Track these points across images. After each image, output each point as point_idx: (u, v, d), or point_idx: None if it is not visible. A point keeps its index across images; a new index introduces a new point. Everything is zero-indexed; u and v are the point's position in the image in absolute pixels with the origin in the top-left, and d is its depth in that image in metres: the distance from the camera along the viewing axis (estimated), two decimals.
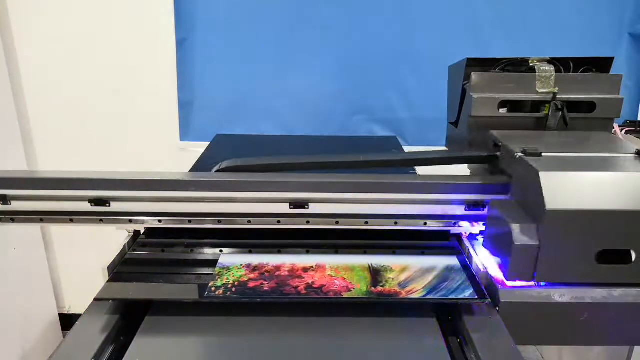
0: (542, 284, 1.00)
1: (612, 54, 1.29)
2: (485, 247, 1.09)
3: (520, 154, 1.03)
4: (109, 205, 1.11)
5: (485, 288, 0.99)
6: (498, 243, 1.01)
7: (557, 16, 2.08)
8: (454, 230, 1.17)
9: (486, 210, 1.13)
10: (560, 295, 0.97)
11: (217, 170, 1.17)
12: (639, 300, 0.98)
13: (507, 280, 0.96)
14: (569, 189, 0.91)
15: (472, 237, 1.18)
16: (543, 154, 1.03)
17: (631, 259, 0.92)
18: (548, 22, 2.09)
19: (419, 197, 1.12)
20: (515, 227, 0.92)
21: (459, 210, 1.14)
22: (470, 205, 1.12)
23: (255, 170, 1.16)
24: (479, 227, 1.16)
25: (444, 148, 1.51)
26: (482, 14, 2.08)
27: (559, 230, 0.90)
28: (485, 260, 1.08)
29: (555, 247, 0.91)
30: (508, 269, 0.94)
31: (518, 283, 1.01)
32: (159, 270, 1.06)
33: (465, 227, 1.16)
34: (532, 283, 1.01)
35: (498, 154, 1.15)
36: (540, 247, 0.91)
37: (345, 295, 0.94)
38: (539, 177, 0.91)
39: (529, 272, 0.94)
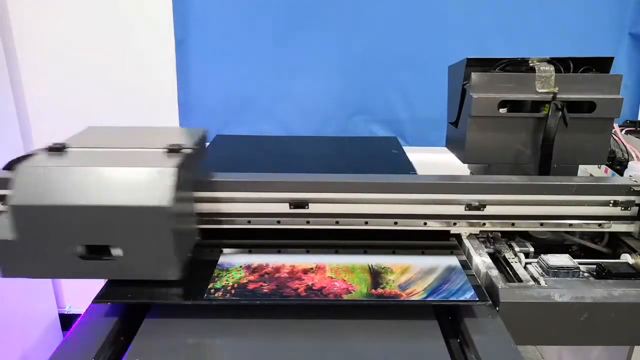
0: (544, 284, 1.01)
1: (612, 54, 1.29)
2: None
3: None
4: None
5: (485, 288, 0.99)
6: None
7: (557, 16, 2.08)
8: (454, 230, 1.17)
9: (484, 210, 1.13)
10: (560, 295, 0.98)
11: None
12: (639, 300, 0.98)
13: None
14: (45, 184, 0.87)
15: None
16: (69, 149, 0.99)
17: (110, 253, 0.89)
18: (548, 22, 2.09)
19: (419, 197, 1.12)
20: None
21: (459, 210, 1.14)
22: (470, 205, 1.12)
23: None
24: (478, 227, 1.16)
25: (444, 147, 1.51)
26: (482, 14, 2.08)
27: (31, 225, 0.86)
28: (485, 260, 1.09)
29: (31, 242, 0.88)
30: None
31: (517, 283, 1.02)
32: None
33: (465, 227, 1.16)
34: (532, 283, 1.01)
35: None
36: (16, 242, 0.87)
37: (346, 297, 0.94)
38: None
39: (10, 266, 0.91)
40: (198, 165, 1.09)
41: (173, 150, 0.98)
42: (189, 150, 1.00)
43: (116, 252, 0.89)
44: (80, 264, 0.89)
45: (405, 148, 1.66)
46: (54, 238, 0.88)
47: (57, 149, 0.99)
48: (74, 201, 0.86)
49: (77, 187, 0.87)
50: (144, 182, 0.87)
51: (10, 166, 1.12)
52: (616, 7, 2.06)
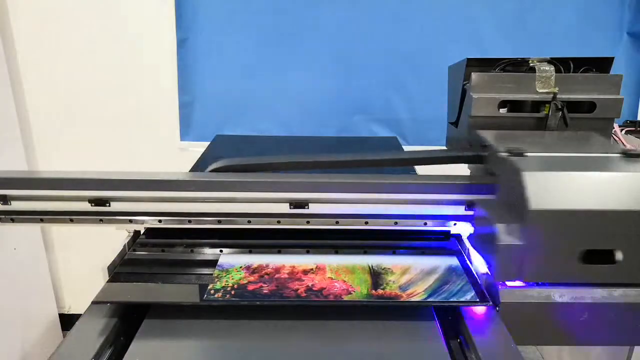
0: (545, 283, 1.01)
1: (610, 53, 1.29)
2: (475, 249, 1.09)
3: (504, 153, 1.03)
4: (109, 205, 1.11)
5: (486, 288, 0.99)
6: (485, 243, 1.01)
7: (557, 16, 2.08)
8: (454, 230, 1.17)
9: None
10: (560, 295, 0.97)
11: (211, 170, 1.17)
12: (639, 300, 0.98)
13: (495, 280, 0.96)
14: (551, 188, 0.90)
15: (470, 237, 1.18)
16: (527, 154, 1.02)
17: (614, 259, 0.91)
18: (547, 22, 2.09)
19: (419, 197, 1.12)
20: (501, 227, 0.92)
21: (459, 210, 1.14)
22: (470, 205, 1.12)
23: (249, 169, 1.16)
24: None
25: (444, 147, 1.51)
26: (482, 14, 2.08)
27: (543, 230, 0.90)
28: (485, 261, 1.08)
29: (539, 246, 0.91)
30: (494, 269, 0.94)
31: (517, 283, 1.02)
32: (158, 270, 1.06)
33: (465, 227, 1.16)
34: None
35: (485, 154, 1.15)
36: (525, 247, 0.90)
37: (346, 298, 0.94)
38: (521, 176, 0.91)
39: (515, 271, 0.93)
40: None
41: (632, 155, 1.01)
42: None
43: (618, 256, 0.91)
44: (583, 269, 0.92)
45: (406, 148, 1.67)
46: (560, 242, 0.90)
47: (518, 154, 1.02)
48: (583, 206, 0.89)
49: (583, 192, 0.90)
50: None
51: (220, 169, 1.13)
52: (615, 6, 2.07)
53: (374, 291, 0.96)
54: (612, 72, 1.28)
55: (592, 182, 0.91)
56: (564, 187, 0.91)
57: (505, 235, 0.92)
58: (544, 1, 2.07)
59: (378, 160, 1.25)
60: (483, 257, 1.03)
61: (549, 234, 0.90)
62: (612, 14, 2.08)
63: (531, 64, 1.27)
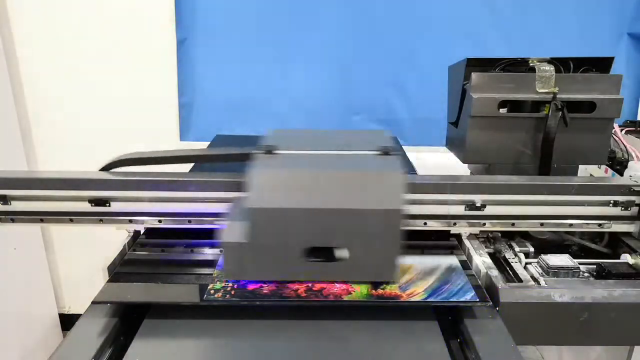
0: (544, 284, 1.01)
1: (611, 54, 1.29)
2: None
3: (259, 151, 1.01)
4: (109, 205, 1.11)
5: (486, 288, 0.99)
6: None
7: (557, 16, 2.08)
8: (454, 230, 1.17)
9: (485, 210, 1.13)
10: (560, 295, 0.98)
11: (106, 165, 1.15)
12: (639, 300, 0.98)
13: (225, 277, 0.96)
14: (275, 187, 0.89)
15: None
16: (278, 151, 1.01)
17: (336, 257, 0.91)
18: (547, 21, 2.09)
19: (419, 197, 1.12)
20: (229, 225, 0.91)
21: (459, 210, 1.14)
22: (470, 205, 1.12)
23: (140, 163, 1.15)
24: (478, 227, 1.16)
25: (444, 147, 1.51)
26: (482, 14, 2.08)
27: (263, 228, 0.88)
28: (485, 260, 1.09)
29: (261, 244, 0.89)
30: (222, 266, 0.94)
31: (517, 283, 1.02)
32: (158, 270, 1.06)
33: (465, 227, 1.16)
34: (532, 283, 1.01)
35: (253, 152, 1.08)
36: (248, 245, 0.89)
37: (346, 298, 0.94)
38: (249, 174, 0.91)
39: (239, 269, 0.92)
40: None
41: (385, 153, 1.00)
42: (399, 153, 1.01)
43: (341, 254, 0.91)
44: (307, 266, 0.91)
45: (405, 148, 1.66)
46: (284, 240, 0.89)
47: (269, 152, 1.01)
48: (307, 204, 0.87)
49: (309, 190, 0.89)
50: (375, 186, 0.89)
51: (108, 167, 1.12)
52: (615, 7, 2.07)
53: (373, 291, 0.96)
54: (612, 72, 1.28)
55: (320, 180, 0.90)
56: (289, 185, 0.89)
57: (230, 232, 0.90)
58: (544, 1, 2.07)
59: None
60: None
61: (271, 231, 0.88)
62: (612, 14, 2.08)
63: (531, 64, 1.27)
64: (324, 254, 0.92)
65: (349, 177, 0.91)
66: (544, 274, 1.06)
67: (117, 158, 1.16)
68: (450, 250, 1.13)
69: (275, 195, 0.89)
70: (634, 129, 1.56)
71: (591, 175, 1.48)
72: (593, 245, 1.21)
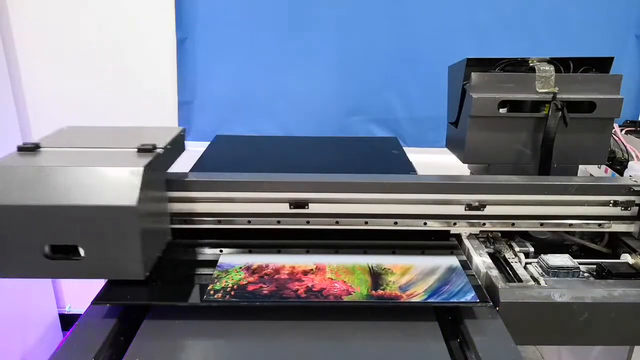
0: (544, 284, 1.01)
1: (618, 55, 1.28)
2: None
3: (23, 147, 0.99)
4: None
5: (486, 288, 0.99)
6: None
7: (562, 17, 2.07)
8: (454, 230, 1.17)
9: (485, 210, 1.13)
10: (560, 295, 0.98)
11: None
12: (639, 300, 0.98)
13: None
14: (17, 183, 0.87)
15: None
16: (42, 149, 1.00)
17: (80, 254, 0.89)
18: (552, 23, 2.08)
19: (419, 197, 1.12)
20: None
21: (459, 210, 1.14)
22: (470, 205, 1.12)
23: None
24: (478, 227, 1.16)
25: (444, 149, 1.51)
26: (483, 13, 2.07)
27: (3, 224, 0.86)
28: (485, 260, 1.09)
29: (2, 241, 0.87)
30: None
31: (517, 283, 1.02)
32: (158, 270, 1.05)
33: (465, 227, 1.16)
34: (532, 283, 1.01)
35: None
36: None
37: (346, 298, 0.94)
38: None
39: None
40: (171, 165, 1.10)
41: (144, 150, 0.98)
42: (161, 150, 1.00)
43: (83, 251, 0.89)
44: (48, 264, 0.89)
45: (405, 149, 1.66)
46: (21, 238, 0.87)
47: (29, 149, 0.99)
48: (41, 201, 0.86)
49: (44, 187, 0.87)
50: (112, 182, 0.88)
51: None
52: (622, 8, 2.05)
53: (374, 292, 0.96)
54: (621, 74, 1.27)
55: (54, 176, 0.88)
56: (24, 182, 0.87)
57: None
58: (548, 2, 2.06)
59: None
60: None
61: (10, 228, 0.86)
62: (619, 16, 2.06)
63: (531, 64, 1.27)
64: (68, 251, 0.89)
65: (86, 173, 0.89)
66: (544, 274, 1.06)
67: None
68: (450, 250, 1.13)
69: (8, 192, 0.86)
70: (634, 129, 1.56)
71: (591, 175, 1.48)
72: (593, 245, 1.21)
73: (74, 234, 0.87)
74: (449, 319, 0.96)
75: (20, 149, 0.99)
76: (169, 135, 1.10)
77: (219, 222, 1.13)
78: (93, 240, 0.88)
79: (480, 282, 1.00)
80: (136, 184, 0.87)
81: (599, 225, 1.16)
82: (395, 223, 1.14)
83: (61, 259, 0.89)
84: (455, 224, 1.15)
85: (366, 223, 1.14)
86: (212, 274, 1.01)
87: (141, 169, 0.88)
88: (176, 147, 1.12)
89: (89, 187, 0.87)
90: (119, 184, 0.88)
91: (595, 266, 1.10)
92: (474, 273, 1.04)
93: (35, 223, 0.86)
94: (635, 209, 1.14)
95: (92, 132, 1.16)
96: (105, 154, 0.98)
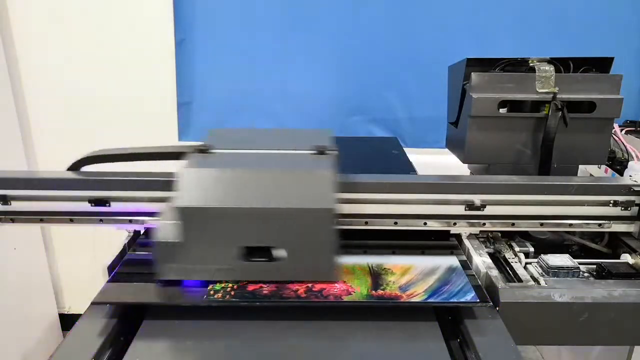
0: (544, 284, 1.01)
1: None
2: None
3: (193, 150, 1.00)
4: (109, 205, 1.11)
5: (486, 288, 0.99)
6: None
7: (562, 17, 2.07)
8: (454, 230, 1.17)
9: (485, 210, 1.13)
10: (560, 295, 0.98)
11: (75, 163, 1.14)
12: (639, 300, 0.98)
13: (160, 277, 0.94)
14: (205, 186, 0.88)
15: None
16: (214, 150, 1.00)
17: (273, 256, 0.90)
18: (553, 23, 2.07)
19: (419, 197, 1.12)
20: (161, 225, 0.90)
21: (459, 210, 1.14)
22: (470, 205, 1.12)
23: (109, 160, 1.15)
24: (478, 227, 1.16)
25: (445, 149, 1.51)
26: (483, 13, 2.07)
27: (194, 227, 0.88)
28: (485, 260, 1.09)
29: (194, 244, 0.89)
30: (156, 267, 0.93)
31: (517, 283, 1.02)
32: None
33: (465, 227, 1.16)
34: (532, 283, 1.01)
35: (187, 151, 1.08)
36: (181, 245, 0.89)
37: (346, 298, 0.94)
38: (179, 174, 0.90)
39: (175, 269, 0.92)
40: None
41: (321, 152, 0.99)
42: (334, 152, 1.01)
43: (279, 254, 0.90)
44: (242, 267, 0.91)
45: (405, 149, 1.66)
46: (217, 240, 0.88)
47: (204, 151, 1.00)
48: (236, 203, 0.86)
49: (239, 189, 0.88)
50: (307, 185, 0.89)
51: (76, 166, 1.12)
52: (627, 9, 2.05)
53: (374, 292, 0.96)
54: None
55: (250, 178, 0.89)
56: (218, 184, 0.88)
57: (164, 232, 0.89)
58: (552, 2, 2.05)
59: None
60: None
61: (201, 231, 0.87)
62: (624, 17, 2.06)
63: (531, 64, 1.27)
64: (260, 253, 0.91)
65: (280, 176, 0.90)
66: (544, 274, 1.06)
67: (84, 156, 1.16)
68: (450, 250, 1.13)
69: (204, 194, 0.88)
70: (634, 129, 1.56)
71: (591, 175, 1.48)
72: (593, 245, 1.21)
73: (271, 237, 0.89)
74: (449, 319, 0.96)
75: (199, 150, 0.99)
76: (325, 137, 1.10)
77: None
78: (292, 243, 0.89)
79: (480, 282, 1.00)
80: (332, 186, 0.88)
81: (599, 225, 1.16)
82: (395, 223, 1.14)
83: (256, 261, 0.90)
84: (455, 224, 1.15)
85: (366, 223, 1.14)
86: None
87: (333, 172, 0.90)
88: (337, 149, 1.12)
89: (286, 190, 0.88)
90: (314, 186, 0.89)
91: (595, 266, 1.10)
92: (474, 273, 1.04)
93: (234, 226, 0.87)
94: (635, 209, 1.14)
95: (244, 134, 1.17)
96: (287, 156, 0.99)
